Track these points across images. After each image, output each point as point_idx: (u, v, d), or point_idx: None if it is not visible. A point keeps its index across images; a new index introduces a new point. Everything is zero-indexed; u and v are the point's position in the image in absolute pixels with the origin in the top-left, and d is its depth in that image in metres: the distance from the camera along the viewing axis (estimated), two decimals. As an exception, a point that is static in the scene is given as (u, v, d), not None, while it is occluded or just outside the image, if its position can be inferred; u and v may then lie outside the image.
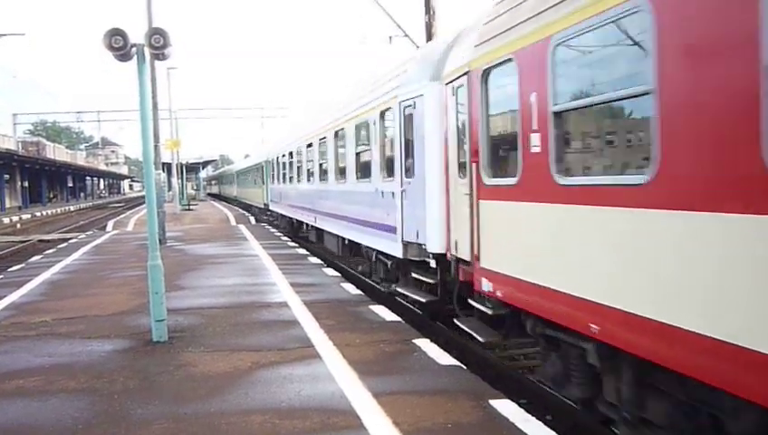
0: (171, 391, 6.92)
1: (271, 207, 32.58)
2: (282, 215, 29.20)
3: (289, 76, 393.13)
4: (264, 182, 35.52)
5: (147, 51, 8.80)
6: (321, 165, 18.89)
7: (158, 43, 8.72)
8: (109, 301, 12.05)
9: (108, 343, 8.96)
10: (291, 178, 25.11)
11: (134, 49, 8.74)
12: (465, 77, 8.40)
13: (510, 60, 6.99)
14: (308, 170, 21.28)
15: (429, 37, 20.27)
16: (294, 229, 26.49)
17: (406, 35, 23.13)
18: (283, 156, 27.31)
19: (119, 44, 8.52)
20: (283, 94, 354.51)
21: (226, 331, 9.52)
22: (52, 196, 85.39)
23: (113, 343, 8.96)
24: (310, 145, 20.53)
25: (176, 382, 7.20)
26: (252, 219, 37.48)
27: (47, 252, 22.27)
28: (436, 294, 10.55)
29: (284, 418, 6.01)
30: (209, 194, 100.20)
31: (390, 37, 23.78)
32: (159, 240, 18.92)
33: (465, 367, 7.62)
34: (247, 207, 48.15)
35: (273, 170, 30.91)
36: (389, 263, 12.52)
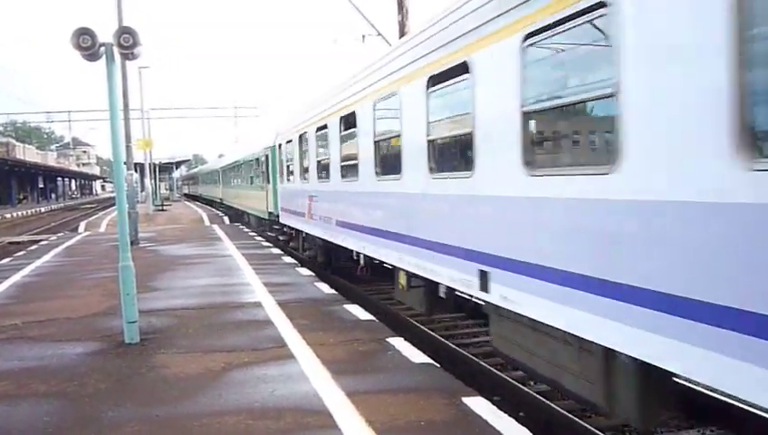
0: (143, 393, 6.86)
1: (283, 220, 20.97)
2: (306, 235, 17.95)
3: (262, 76, 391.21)
4: (267, 180, 24.89)
5: (116, 50, 8.71)
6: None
7: (128, 43, 8.63)
8: (80, 303, 11.92)
9: (79, 346, 8.86)
10: (329, 171, 14.14)
11: (103, 48, 8.64)
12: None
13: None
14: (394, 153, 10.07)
15: (402, 35, 20.31)
16: (328, 262, 16.79)
17: (379, 34, 23.16)
18: (305, 136, 16.81)
19: (87, 44, 8.42)
20: (256, 94, 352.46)
21: (199, 332, 9.47)
22: (21, 197, 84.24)
23: (84, 346, 8.86)
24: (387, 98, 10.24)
25: (148, 384, 7.15)
26: (226, 219, 37.27)
27: (17, 254, 21.94)
28: None
29: (258, 418, 5.98)
30: (186, 195, 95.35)
31: (364, 36, 23.81)
32: (132, 241, 18.92)
33: (438, 365, 7.65)
34: (238, 215, 37.72)
35: (289, 161, 19.50)
36: None
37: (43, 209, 70.30)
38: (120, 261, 9.05)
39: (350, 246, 12.88)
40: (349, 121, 12.38)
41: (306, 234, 17.61)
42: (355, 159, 11.95)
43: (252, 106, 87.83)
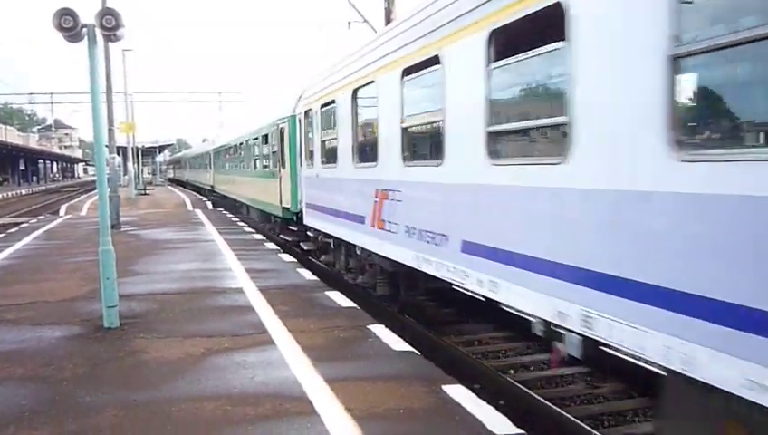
0: (121, 377, 6.83)
1: (310, 221, 15.21)
2: (362, 251, 11.47)
3: (247, 63, 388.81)
4: (282, 164, 18.59)
5: (98, 32, 8.60)
6: None
7: (110, 24, 8.53)
8: (59, 287, 11.83)
9: (57, 330, 8.80)
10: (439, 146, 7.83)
11: (85, 30, 8.53)
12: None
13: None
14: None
15: (388, 22, 20.23)
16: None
17: (365, 21, 23.08)
18: (367, 91, 10.57)
19: (68, 25, 8.31)
20: (241, 81, 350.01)
21: (180, 317, 9.43)
22: (2, 179, 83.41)
23: (63, 330, 8.80)
24: None
25: (126, 369, 7.11)
26: (209, 204, 37.10)
27: (-4, 237, 21.74)
28: None
29: (236, 404, 5.97)
30: (171, 180, 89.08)
31: (349, 23, 23.73)
32: (113, 225, 18.79)
33: (418, 353, 7.66)
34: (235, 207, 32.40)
35: (326, 134, 13.50)
36: None
37: (23, 192, 69.69)
38: (101, 245, 8.98)
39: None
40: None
41: (362, 249, 11.26)
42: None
43: (237, 91, 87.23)
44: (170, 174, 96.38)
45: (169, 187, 69.90)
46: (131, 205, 35.80)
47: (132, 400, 6.16)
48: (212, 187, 42.95)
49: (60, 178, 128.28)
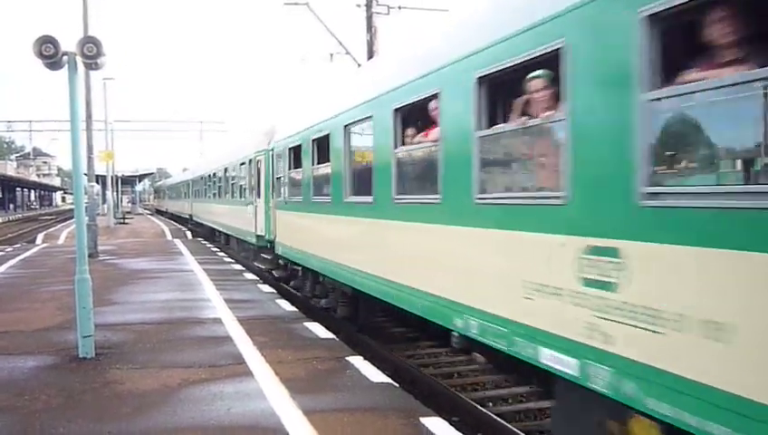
0: (96, 409, 6.72)
1: (278, 249, 16.31)
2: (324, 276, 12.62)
3: (228, 94, 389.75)
4: (258, 195, 19.12)
5: (79, 60, 8.62)
6: None
7: (91, 52, 8.56)
8: (34, 316, 11.66)
9: (31, 360, 8.66)
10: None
11: (65, 58, 8.54)
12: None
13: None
14: None
15: (371, 55, 20.44)
16: None
17: (348, 53, 23.27)
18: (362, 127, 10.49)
19: (49, 52, 8.32)
20: (221, 110, 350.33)
21: (157, 347, 9.32)
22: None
23: (37, 360, 8.67)
24: None
25: (101, 400, 7.00)
26: (188, 234, 36.89)
27: (-29, 265, 21.44)
28: None
29: (213, 436, 5.90)
30: (158, 211, 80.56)
31: (332, 54, 23.90)
32: (91, 254, 18.62)
33: (397, 385, 7.63)
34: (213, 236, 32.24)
35: (288, 173, 14.83)
36: None
37: (0, 220, 68.87)
38: (77, 274, 8.89)
39: None
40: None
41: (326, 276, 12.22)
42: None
43: (218, 121, 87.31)
44: (155, 204, 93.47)
45: (149, 216, 69.46)
46: (110, 234, 35.53)
47: (107, 432, 6.06)
48: (190, 216, 42.45)
49: (38, 207, 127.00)
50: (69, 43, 8.56)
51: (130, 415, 6.50)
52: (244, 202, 21.48)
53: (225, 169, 26.25)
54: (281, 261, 16.65)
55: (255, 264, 20.14)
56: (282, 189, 15.70)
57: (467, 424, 7.73)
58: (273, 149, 17.09)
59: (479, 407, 8.38)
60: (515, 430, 7.53)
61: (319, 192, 12.24)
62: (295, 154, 14.20)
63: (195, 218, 39.87)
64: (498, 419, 7.88)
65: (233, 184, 24.35)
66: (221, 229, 28.55)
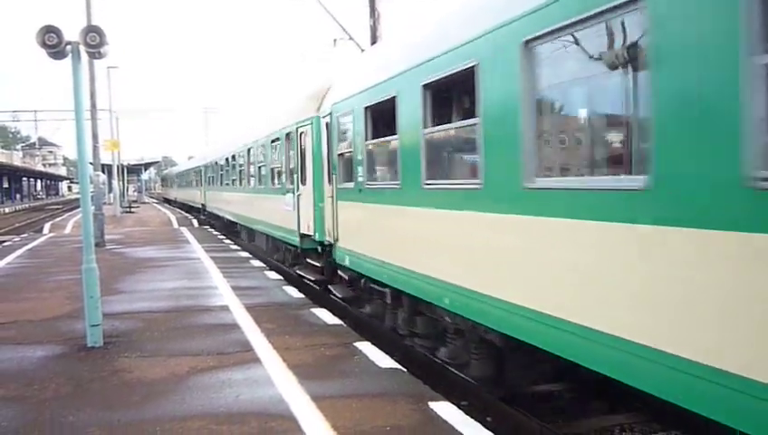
0: (105, 397, 6.74)
1: (343, 257, 11.74)
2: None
3: (232, 80, 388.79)
4: (302, 180, 14.37)
5: (82, 49, 8.59)
6: None
7: (95, 42, 8.52)
8: (42, 306, 11.70)
9: (40, 349, 8.69)
10: None
11: (69, 47, 8.51)
12: None
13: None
14: None
15: (374, 40, 20.32)
16: None
17: (351, 38, 23.13)
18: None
19: (53, 42, 8.30)
20: (226, 97, 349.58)
21: (164, 335, 9.34)
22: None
23: (45, 349, 8.70)
24: None
25: (110, 389, 7.02)
26: (195, 222, 36.94)
27: (-21, 255, 21.53)
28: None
29: (222, 423, 5.91)
30: (166, 200, 75.43)
31: (335, 40, 23.77)
32: (98, 243, 18.64)
33: (405, 370, 7.63)
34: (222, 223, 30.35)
35: (366, 146, 10.26)
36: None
37: (7, 210, 69.12)
38: (84, 263, 8.90)
39: None
40: None
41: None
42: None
43: (222, 109, 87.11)
44: (165, 193, 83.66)
45: (155, 204, 69.50)
46: (116, 223, 35.60)
47: (116, 420, 6.08)
48: (203, 205, 37.64)
49: (44, 196, 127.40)
50: (72, 32, 8.53)
51: (139, 403, 6.52)
52: (278, 190, 16.49)
53: (249, 150, 21.57)
54: (343, 273, 12.04)
55: (296, 272, 15.38)
56: (350, 171, 10.94)
57: (476, 408, 7.72)
58: (328, 115, 12.19)
59: (488, 392, 8.37)
60: (524, 413, 7.52)
61: (443, 172, 8.09)
62: (381, 115, 9.68)
63: (209, 209, 35.24)
64: (506, 404, 7.87)
65: (260, 167, 19.52)
66: (244, 223, 23.75)
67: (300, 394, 6.64)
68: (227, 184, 27.28)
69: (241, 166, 23.65)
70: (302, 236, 14.05)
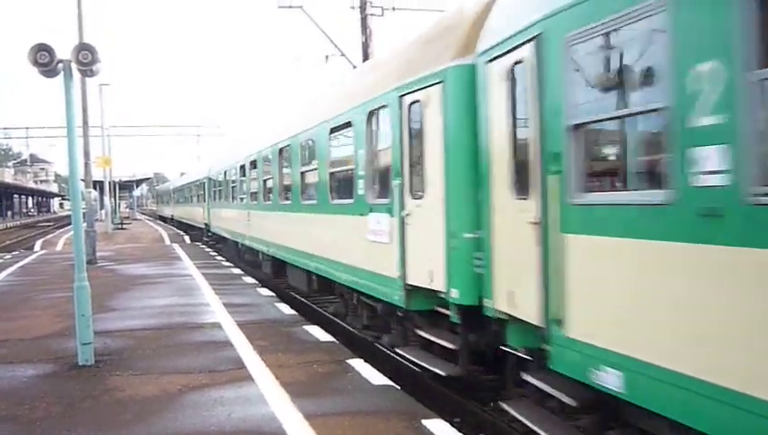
0: (96, 416, 6.71)
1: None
2: None
3: (224, 97, 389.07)
4: (421, 187, 8.11)
5: (74, 67, 8.61)
6: None
7: (87, 60, 8.55)
8: (33, 324, 11.64)
9: (30, 368, 8.64)
10: None
11: (61, 65, 8.53)
12: None
13: None
14: None
15: (366, 57, 20.43)
16: None
17: (342, 55, 23.25)
18: None
19: (44, 60, 8.32)
20: (217, 114, 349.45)
21: (156, 353, 9.31)
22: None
23: (36, 368, 8.65)
24: None
25: (101, 408, 6.99)
26: (186, 238, 36.85)
27: (-31, 273, 21.42)
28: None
29: (214, 442, 5.88)
30: (161, 218, 69.06)
31: (327, 56, 23.88)
32: (89, 260, 18.55)
33: (398, 387, 7.62)
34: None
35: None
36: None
37: (-2, 227, 68.80)
38: (76, 281, 8.88)
39: None
40: None
41: None
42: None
43: (214, 126, 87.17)
44: (161, 210, 75.85)
45: (147, 221, 69.26)
46: (108, 239, 35.47)
47: (107, 439, 6.05)
48: (206, 226, 31.46)
49: (35, 213, 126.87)
50: (65, 48, 8.56)
51: (131, 422, 6.48)
52: (346, 208, 10.70)
53: (282, 151, 15.40)
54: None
55: (399, 353, 9.40)
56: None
57: (469, 425, 7.71)
58: (508, 51, 6.18)
59: (481, 408, 8.36)
60: (517, 429, 7.51)
61: None
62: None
63: (214, 230, 29.48)
64: (500, 420, 7.86)
65: (305, 173, 13.43)
66: (271, 253, 17.05)
67: (292, 412, 6.62)
68: (242, 199, 21.42)
69: (267, 175, 17.16)
70: (411, 289, 8.25)
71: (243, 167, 21.00)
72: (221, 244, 28.56)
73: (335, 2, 22.82)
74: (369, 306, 10.41)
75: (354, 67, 21.29)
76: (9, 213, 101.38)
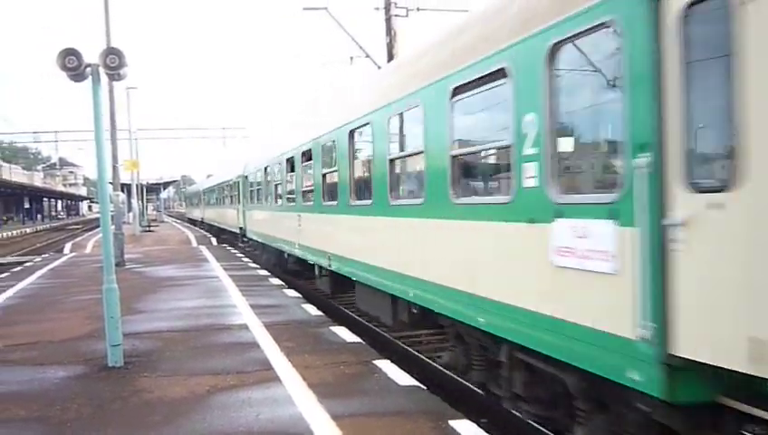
0: (125, 417, 6.76)
1: None
2: None
3: (250, 98, 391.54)
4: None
5: (102, 71, 8.69)
6: None
7: (114, 64, 8.62)
8: (63, 326, 11.78)
9: (61, 370, 8.74)
10: None
11: (88, 69, 8.63)
12: None
13: None
14: None
15: (391, 58, 20.40)
16: None
17: (368, 56, 23.26)
18: None
19: (72, 64, 8.40)
20: (244, 115, 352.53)
21: (184, 355, 9.37)
22: (6, 218, 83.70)
23: (67, 370, 8.74)
24: None
25: (130, 409, 7.04)
26: (213, 240, 37.10)
27: (0, 276, 21.74)
28: None
29: (242, 443, 5.91)
30: (191, 221, 65.91)
31: (352, 58, 23.92)
32: (118, 263, 18.74)
33: (425, 387, 7.60)
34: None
35: None
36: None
37: (28, 230, 69.80)
38: (105, 283, 8.97)
39: None
40: None
41: None
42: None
43: (240, 127, 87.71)
44: (191, 212, 70.23)
45: (174, 223, 69.80)
46: (136, 242, 35.82)
47: (136, 440, 6.10)
48: (241, 230, 28.41)
49: (64, 216, 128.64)
50: (92, 53, 8.65)
51: (160, 423, 6.53)
52: (498, 211, 6.51)
53: (353, 133, 11.40)
54: None
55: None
56: None
57: (496, 426, 7.68)
58: None
59: (509, 409, 8.31)
60: (545, 431, 7.46)
61: None
62: None
63: (251, 236, 25.77)
64: (528, 420, 7.80)
65: (423, 156, 8.28)
66: (344, 271, 12.00)
67: (320, 413, 6.62)
68: (289, 199, 17.26)
69: (330, 167, 12.90)
70: (679, 365, 4.30)
71: (291, 160, 16.87)
72: (258, 251, 24.72)
73: (360, 3, 22.83)
74: (535, 371, 6.36)
75: (379, 68, 21.28)
76: (39, 216, 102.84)
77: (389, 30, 20.84)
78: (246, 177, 26.28)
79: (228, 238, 35.46)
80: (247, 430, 6.24)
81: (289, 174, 17.31)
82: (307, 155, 14.94)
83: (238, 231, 29.22)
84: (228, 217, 33.62)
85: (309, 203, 14.58)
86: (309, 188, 14.87)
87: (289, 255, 18.01)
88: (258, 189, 23.09)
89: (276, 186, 19.46)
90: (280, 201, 18.84)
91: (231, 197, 32.15)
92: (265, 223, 21.79)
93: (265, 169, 21.28)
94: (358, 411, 6.68)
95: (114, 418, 6.76)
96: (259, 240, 23.56)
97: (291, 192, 17.09)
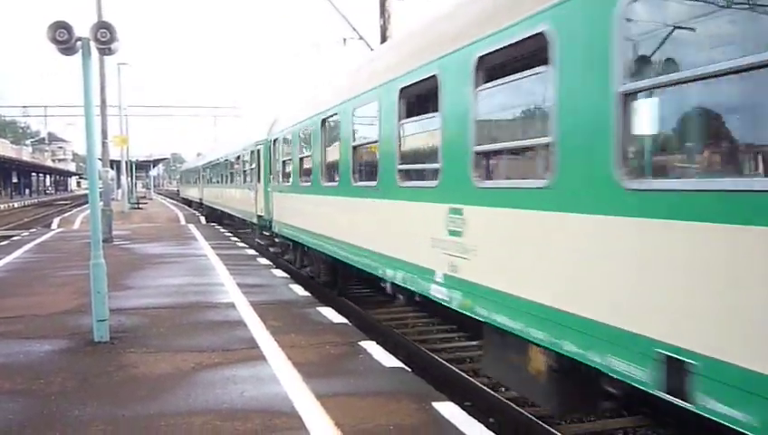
0: (110, 392, 6.78)
1: None
2: None
3: (241, 79, 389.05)
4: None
5: (92, 45, 8.63)
6: None
7: (105, 38, 8.56)
8: (49, 300, 11.76)
9: (46, 344, 8.74)
10: None
11: (79, 43, 8.56)
12: None
13: None
14: None
15: (384, 39, 20.32)
16: None
17: (361, 38, 23.15)
18: None
19: (63, 38, 8.34)
20: (235, 94, 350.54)
21: (170, 331, 9.38)
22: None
23: (52, 344, 8.74)
24: None
25: (115, 384, 7.06)
26: (202, 219, 37.03)
27: (-12, 249, 21.65)
28: None
29: (226, 419, 5.94)
30: (186, 201, 58.02)
31: (345, 39, 23.79)
32: (106, 239, 18.72)
33: (409, 369, 7.65)
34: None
35: None
36: None
37: (16, 205, 69.44)
38: (92, 259, 8.95)
39: None
40: None
41: None
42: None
43: (231, 106, 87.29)
44: (185, 191, 60.54)
45: (162, 201, 69.60)
46: (124, 219, 35.71)
47: (121, 414, 6.11)
48: (260, 219, 20.41)
49: (53, 192, 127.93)
50: (83, 28, 8.58)
51: (145, 398, 6.55)
52: None
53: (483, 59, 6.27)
54: None
55: None
56: None
57: (479, 409, 7.74)
58: None
59: (492, 391, 8.39)
60: (528, 414, 7.53)
61: None
62: None
63: (280, 230, 17.06)
64: (511, 403, 7.89)
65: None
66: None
67: (304, 392, 6.66)
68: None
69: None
70: None
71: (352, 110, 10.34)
72: (288, 253, 17.45)
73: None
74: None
75: (372, 50, 21.19)
76: (27, 191, 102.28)
77: (383, 12, 20.75)
78: (275, 141, 17.87)
79: (222, 219, 35.16)
80: (231, 406, 6.27)
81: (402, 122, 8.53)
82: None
83: (256, 221, 21.46)
84: (238, 200, 25.20)
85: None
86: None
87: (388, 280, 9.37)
88: (302, 158, 14.36)
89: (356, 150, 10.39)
90: (327, 182, 12.06)
91: (243, 173, 24.16)
92: (314, 215, 13.34)
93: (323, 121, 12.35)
94: (342, 391, 6.72)
95: (99, 392, 6.78)
96: (303, 241, 14.52)
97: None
